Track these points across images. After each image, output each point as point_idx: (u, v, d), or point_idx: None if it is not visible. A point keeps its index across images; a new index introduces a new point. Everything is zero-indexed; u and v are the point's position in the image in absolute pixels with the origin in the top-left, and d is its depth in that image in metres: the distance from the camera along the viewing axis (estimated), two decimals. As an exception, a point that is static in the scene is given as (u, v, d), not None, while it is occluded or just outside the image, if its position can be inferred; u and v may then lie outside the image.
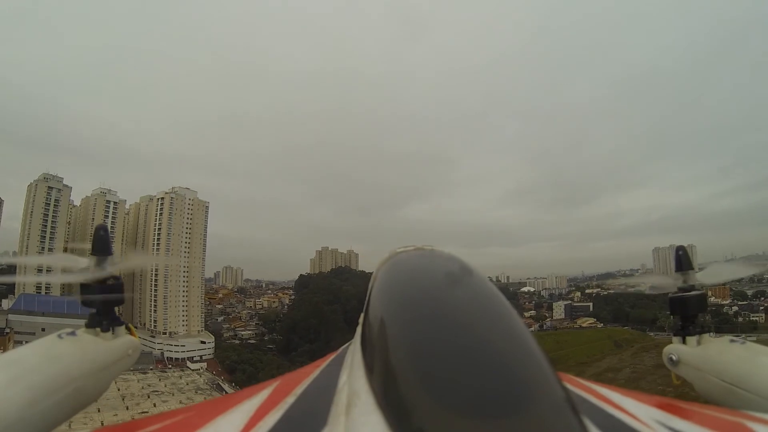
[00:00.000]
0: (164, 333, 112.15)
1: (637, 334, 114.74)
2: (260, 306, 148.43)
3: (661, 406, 0.92)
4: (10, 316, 68.76)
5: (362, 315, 1.13)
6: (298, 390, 0.95)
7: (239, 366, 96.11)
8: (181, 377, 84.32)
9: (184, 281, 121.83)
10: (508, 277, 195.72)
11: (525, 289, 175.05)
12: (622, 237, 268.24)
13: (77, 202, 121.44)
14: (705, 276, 1.88)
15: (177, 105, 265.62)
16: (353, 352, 1.03)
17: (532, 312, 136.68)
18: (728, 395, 1.52)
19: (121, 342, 1.62)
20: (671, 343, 1.89)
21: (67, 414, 1.31)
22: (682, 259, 1.91)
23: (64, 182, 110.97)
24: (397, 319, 0.87)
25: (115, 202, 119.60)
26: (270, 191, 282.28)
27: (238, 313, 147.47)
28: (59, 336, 1.42)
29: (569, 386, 0.71)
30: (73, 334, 1.47)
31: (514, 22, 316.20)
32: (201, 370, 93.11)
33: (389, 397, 0.68)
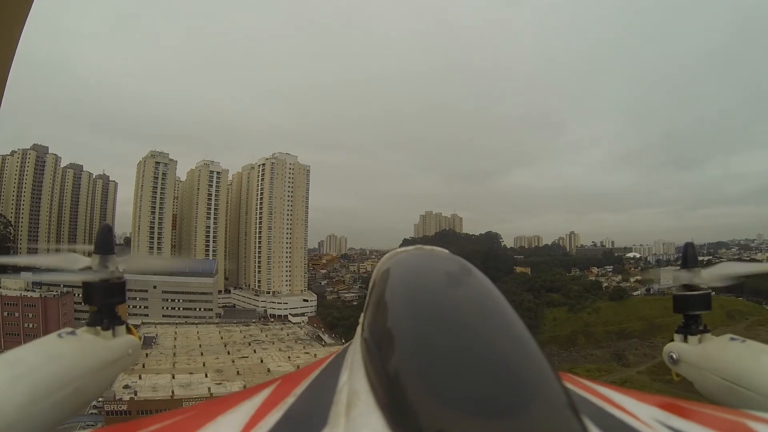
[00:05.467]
0: (268, 292, 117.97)
1: (752, 306, 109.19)
2: (364, 270, 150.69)
3: (661, 405, 0.92)
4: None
5: (362, 315, 1.13)
6: (298, 390, 0.95)
7: (340, 322, 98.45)
8: (282, 329, 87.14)
9: (287, 244, 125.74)
10: (612, 242, 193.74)
11: (631, 254, 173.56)
12: (735, 204, 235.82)
13: (183, 179, 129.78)
14: (711, 274, 1.83)
15: (278, 82, 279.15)
16: (353, 352, 1.02)
17: (638, 276, 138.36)
18: (729, 394, 1.49)
19: (121, 341, 1.62)
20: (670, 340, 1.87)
21: (67, 413, 1.30)
22: (689, 256, 1.86)
23: (169, 157, 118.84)
24: (397, 319, 0.87)
25: (218, 172, 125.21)
26: (373, 162, 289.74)
27: (342, 277, 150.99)
28: (59, 335, 1.42)
29: (569, 385, 0.71)
30: (73, 333, 1.48)
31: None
32: (302, 324, 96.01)
33: (389, 397, 0.68)
